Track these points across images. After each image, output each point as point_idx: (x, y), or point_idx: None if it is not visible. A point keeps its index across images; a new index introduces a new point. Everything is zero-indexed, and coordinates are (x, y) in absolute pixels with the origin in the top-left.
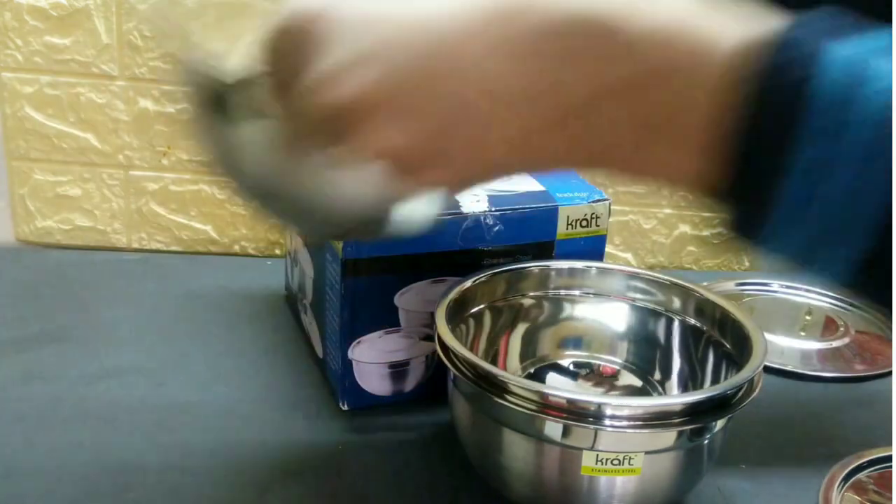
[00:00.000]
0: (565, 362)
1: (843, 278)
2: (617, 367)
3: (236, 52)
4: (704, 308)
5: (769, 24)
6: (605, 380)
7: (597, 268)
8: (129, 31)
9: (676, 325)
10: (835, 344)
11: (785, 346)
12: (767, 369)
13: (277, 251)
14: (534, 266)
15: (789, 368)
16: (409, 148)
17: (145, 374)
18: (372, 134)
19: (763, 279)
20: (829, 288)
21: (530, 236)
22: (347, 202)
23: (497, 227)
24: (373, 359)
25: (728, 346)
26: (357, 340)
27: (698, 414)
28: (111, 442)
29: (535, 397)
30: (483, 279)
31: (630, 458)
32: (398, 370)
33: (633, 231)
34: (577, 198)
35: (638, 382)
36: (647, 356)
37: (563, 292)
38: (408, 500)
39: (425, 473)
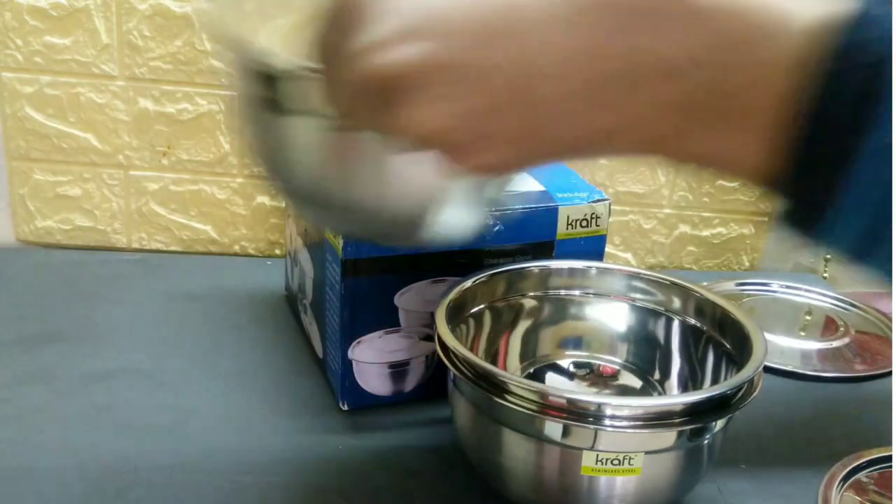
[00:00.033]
0: (565, 362)
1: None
2: (617, 367)
3: (288, 47)
4: (704, 308)
5: (844, 0)
6: (605, 380)
7: (597, 268)
8: (129, 31)
9: (676, 325)
10: (835, 344)
11: (785, 346)
12: (767, 369)
13: (277, 251)
14: (534, 266)
15: (789, 368)
16: (456, 127)
17: (145, 374)
18: (418, 110)
19: (763, 279)
20: (831, 289)
21: (530, 236)
22: (391, 199)
23: (497, 227)
24: (373, 359)
25: (728, 346)
26: (357, 340)
27: (698, 414)
28: (111, 442)
29: (535, 397)
30: (483, 279)
31: (630, 458)
32: (398, 370)
33: (633, 231)
34: (577, 198)
35: (638, 382)
36: (647, 356)
37: (563, 292)
38: (408, 500)
39: (425, 473)
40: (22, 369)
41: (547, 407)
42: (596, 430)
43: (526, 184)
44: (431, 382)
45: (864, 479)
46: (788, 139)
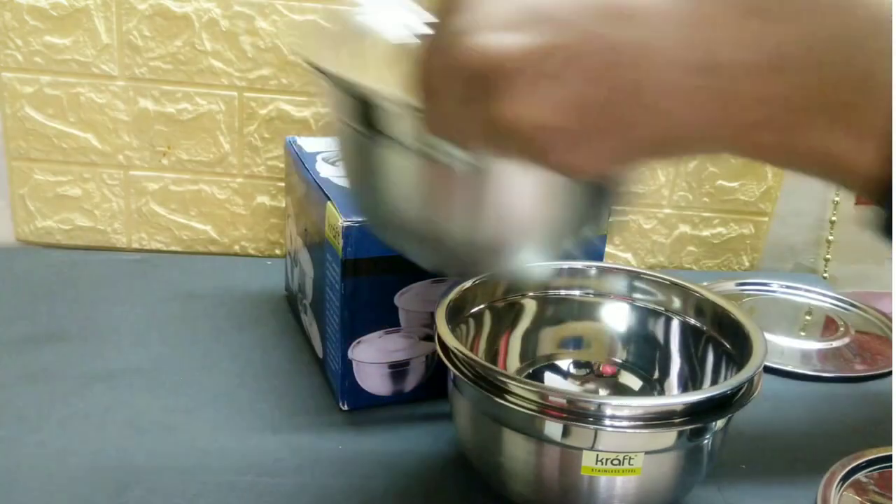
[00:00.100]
0: (565, 362)
1: None
2: (617, 367)
3: (383, 78)
4: (704, 308)
5: None
6: (605, 380)
7: (597, 268)
8: (129, 31)
9: (676, 324)
10: (835, 344)
11: (785, 346)
12: (767, 369)
13: (277, 251)
14: (534, 266)
15: (789, 368)
16: (557, 120)
17: (145, 374)
18: (519, 101)
19: (763, 279)
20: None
21: None
22: (484, 230)
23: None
24: (373, 359)
25: (728, 345)
26: (357, 340)
27: (698, 414)
28: (111, 442)
29: (535, 397)
30: (483, 279)
31: (630, 458)
32: (398, 370)
33: (633, 231)
34: None
35: (638, 382)
36: (647, 356)
37: (563, 292)
38: (407, 500)
39: (425, 474)
40: (22, 369)
41: (547, 407)
42: (596, 430)
43: None
44: (431, 382)
45: (864, 479)
46: None
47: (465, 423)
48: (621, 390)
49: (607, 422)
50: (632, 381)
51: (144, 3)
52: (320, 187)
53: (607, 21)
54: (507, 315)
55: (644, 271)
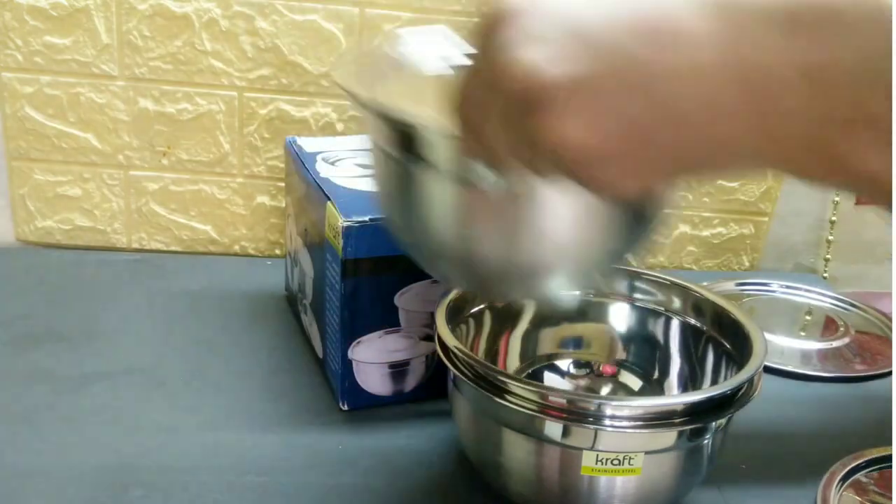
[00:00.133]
0: (565, 362)
1: None
2: (617, 367)
3: (427, 106)
4: (704, 308)
5: None
6: (605, 380)
7: None
8: (129, 31)
9: (676, 324)
10: (835, 344)
11: (785, 346)
12: (767, 369)
13: (277, 251)
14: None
15: (789, 368)
16: (600, 143)
17: (145, 374)
18: (562, 123)
19: (763, 279)
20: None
21: None
22: (524, 257)
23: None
24: (373, 359)
25: (728, 345)
26: (357, 340)
27: (698, 414)
28: (111, 442)
29: (535, 397)
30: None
31: (630, 458)
32: (398, 370)
33: None
34: None
35: (638, 382)
36: (647, 356)
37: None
38: (408, 500)
39: (425, 473)
40: (22, 369)
41: (547, 407)
42: (596, 430)
43: None
44: (431, 382)
45: (864, 479)
46: None
47: (465, 423)
48: (621, 390)
49: (607, 422)
50: (632, 381)
51: (144, 3)
52: (320, 187)
53: (645, 41)
54: (507, 315)
55: (644, 271)
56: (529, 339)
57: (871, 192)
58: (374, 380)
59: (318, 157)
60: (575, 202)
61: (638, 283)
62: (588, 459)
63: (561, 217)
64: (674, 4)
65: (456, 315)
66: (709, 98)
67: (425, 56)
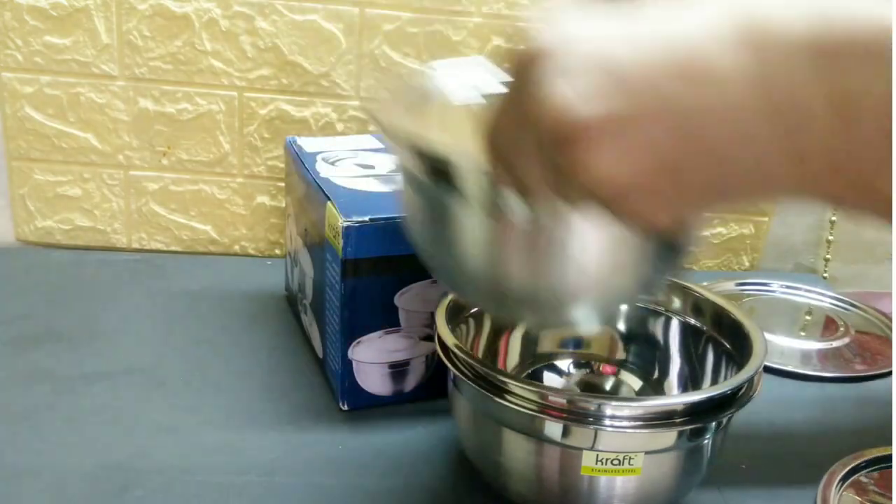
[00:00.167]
0: (565, 362)
1: None
2: (617, 367)
3: (459, 137)
4: (704, 308)
5: None
6: (605, 380)
7: None
8: (129, 31)
9: (676, 324)
10: (835, 344)
11: (785, 346)
12: (767, 369)
13: (277, 251)
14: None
15: (789, 368)
16: (636, 180)
17: (145, 374)
18: (598, 161)
19: (763, 279)
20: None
21: None
22: (558, 286)
23: None
24: (373, 359)
25: (728, 345)
26: (357, 340)
27: (698, 414)
28: (111, 442)
29: (535, 397)
30: None
31: (630, 458)
32: (398, 370)
33: None
34: None
35: (638, 382)
36: (646, 356)
37: None
38: (408, 500)
39: (425, 474)
40: (22, 369)
41: (547, 407)
42: (596, 430)
43: None
44: (431, 382)
45: (864, 479)
46: None
47: (465, 423)
48: (621, 390)
49: (607, 422)
50: (632, 381)
51: (144, 3)
52: (320, 187)
53: (677, 77)
54: None
55: None
56: (529, 338)
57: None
58: (374, 380)
59: (318, 157)
60: (605, 232)
61: None
62: (588, 459)
63: (591, 247)
64: (702, 39)
65: (456, 315)
66: (740, 131)
67: (459, 87)
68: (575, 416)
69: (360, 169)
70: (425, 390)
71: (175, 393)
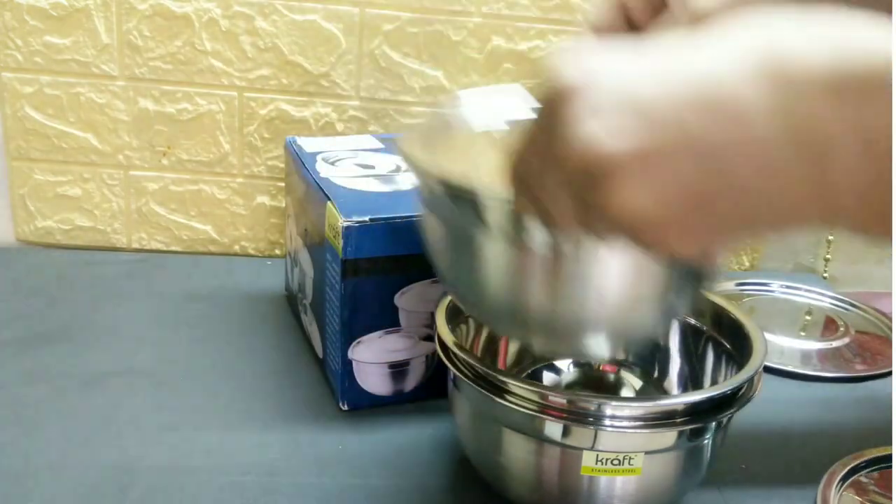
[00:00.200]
0: (565, 362)
1: None
2: (617, 367)
3: (483, 169)
4: (704, 308)
5: None
6: (605, 379)
7: None
8: (129, 31)
9: (676, 324)
10: (835, 344)
11: (785, 346)
12: (767, 369)
13: (277, 251)
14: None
15: (789, 368)
16: (656, 211)
17: (145, 374)
18: (621, 192)
19: (763, 279)
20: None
21: None
22: (584, 316)
23: None
24: (373, 359)
25: (728, 345)
26: (357, 340)
27: (698, 414)
28: (111, 442)
29: (535, 397)
30: None
31: (630, 458)
32: (398, 370)
33: None
34: None
35: (638, 382)
36: (647, 356)
37: None
38: (408, 500)
39: (425, 474)
40: (22, 369)
41: (547, 407)
42: (596, 430)
43: None
44: (431, 382)
45: (864, 479)
46: None
47: (465, 423)
48: (621, 390)
49: (607, 422)
50: (632, 380)
51: (144, 3)
52: (320, 187)
53: (703, 113)
54: None
55: None
56: None
57: None
58: (374, 380)
59: (318, 157)
60: (628, 261)
61: None
62: (588, 459)
63: (613, 276)
64: (725, 74)
65: (456, 315)
66: (766, 164)
67: (483, 114)
68: (575, 416)
69: (360, 169)
70: (425, 390)
71: (175, 393)
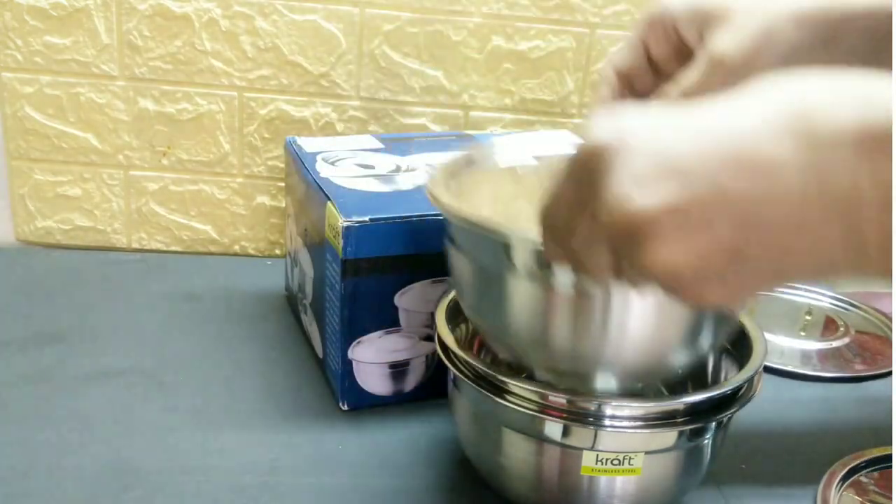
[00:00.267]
0: None
1: None
2: None
3: (512, 214)
4: None
5: None
6: None
7: None
8: (129, 31)
9: None
10: (835, 344)
11: (785, 346)
12: (767, 369)
13: (277, 251)
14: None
15: (789, 368)
16: (692, 265)
17: (145, 374)
18: (660, 249)
19: None
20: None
21: None
22: (598, 350)
23: None
24: (373, 359)
25: (728, 345)
26: (357, 340)
27: (698, 414)
28: (111, 442)
29: (535, 397)
30: None
31: (630, 458)
32: (398, 370)
33: None
34: None
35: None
36: None
37: None
38: (408, 500)
39: (425, 474)
40: (22, 369)
41: (547, 407)
42: (596, 430)
43: None
44: (431, 382)
45: (864, 479)
46: None
47: (465, 423)
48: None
49: (607, 422)
50: None
51: (144, 3)
52: (320, 187)
53: (735, 171)
54: None
55: None
56: None
57: None
58: (374, 380)
59: (318, 157)
60: (656, 305)
61: None
62: (588, 459)
63: (643, 318)
64: (756, 131)
65: (456, 315)
66: (796, 218)
67: (511, 152)
68: (575, 416)
69: (360, 169)
70: (425, 390)
71: (175, 393)
